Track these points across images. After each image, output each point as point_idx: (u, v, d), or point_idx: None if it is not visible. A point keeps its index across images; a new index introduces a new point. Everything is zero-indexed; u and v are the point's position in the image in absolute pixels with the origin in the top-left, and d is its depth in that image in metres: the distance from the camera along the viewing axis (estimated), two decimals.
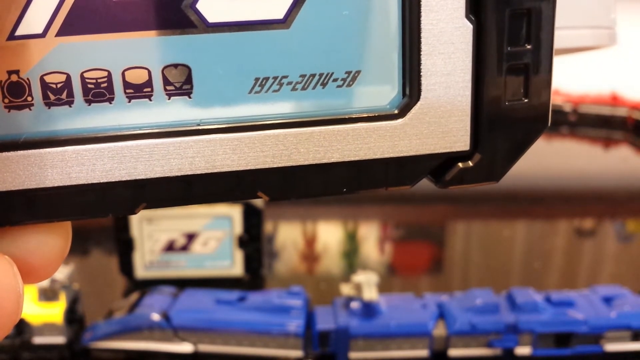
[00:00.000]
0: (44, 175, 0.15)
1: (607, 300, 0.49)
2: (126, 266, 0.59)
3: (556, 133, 1.08)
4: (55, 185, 0.15)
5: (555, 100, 1.08)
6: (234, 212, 0.58)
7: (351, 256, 0.69)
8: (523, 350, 0.47)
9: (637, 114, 1.04)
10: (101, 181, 0.15)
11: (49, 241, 0.16)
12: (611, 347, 0.47)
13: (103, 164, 0.15)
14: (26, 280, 0.16)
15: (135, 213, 0.16)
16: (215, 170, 0.15)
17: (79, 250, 0.67)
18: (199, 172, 0.15)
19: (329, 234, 0.74)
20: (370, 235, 0.76)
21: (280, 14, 0.15)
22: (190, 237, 0.59)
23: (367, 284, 0.48)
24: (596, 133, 1.06)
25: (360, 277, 0.49)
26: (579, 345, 0.47)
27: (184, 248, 0.59)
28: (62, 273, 0.49)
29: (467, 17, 0.15)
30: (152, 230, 0.58)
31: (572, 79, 1.07)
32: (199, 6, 0.14)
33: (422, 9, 0.15)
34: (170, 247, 0.59)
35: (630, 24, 1.01)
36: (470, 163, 0.17)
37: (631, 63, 1.06)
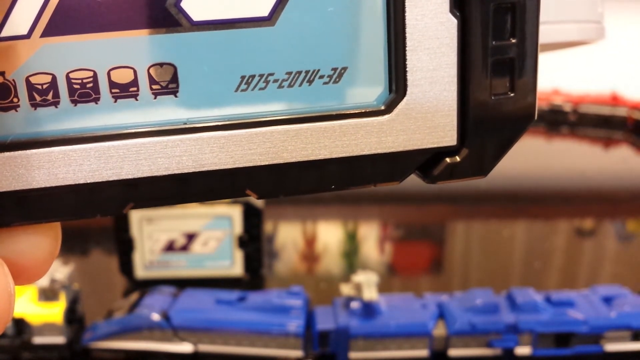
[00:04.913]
0: (31, 176, 0.15)
1: (607, 300, 0.49)
2: (126, 266, 0.59)
3: (556, 133, 1.08)
4: (43, 186, 0.15)
5: (555, 100, 1.08)
6: (233, 212, 0.58)
7: (351, 256, 0.69)
8: (523, 350, 0.47)
9: (637, 114, 1.04)
10: (88, 181, 0.15)
11: (39, 242, 0.16)
12: (611, 347, 0.47)
13: (90, 164, 0.15)
14: (17, 282, 0.16)
15: (123, 213, 0.16)
16: (203, 169, 0.15)
17: (79, 250, 0.67)
18: (186, 170, 0.15)
19: (329, 234, 0.74)
20: (370, 235, 0.76)
21: (265, 11, 0.15)
22: (190, 237, 0.59)
23: (367, 284, 0.48)
24: (596, 133, 1.06)
25: (360, 277, 0.48)
26: (579, 345, 0.47)
27: (184, 248, 0.59)
28: (62, 273, 0.49)
29: (451, 11, 0.15)
30: (152, 230, 0.59)
31: (572, 79, 1.07)
32: (183, 5, 0.14)
33: (407, 4, 0.15)
34: (170, 247, 0.59)
35: (629, 23, 1.01)
36: (458, 158, 0.17)
37: (631, 63, 1.05)
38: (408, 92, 0.16)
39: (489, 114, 0.16)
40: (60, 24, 0.14)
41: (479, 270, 0.66)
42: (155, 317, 0.48)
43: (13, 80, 0.14)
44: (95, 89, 0.15)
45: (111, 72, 0.15)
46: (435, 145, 0.16)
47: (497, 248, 0.71)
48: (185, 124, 0.15)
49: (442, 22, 0.15)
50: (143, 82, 0.15)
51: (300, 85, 0.15)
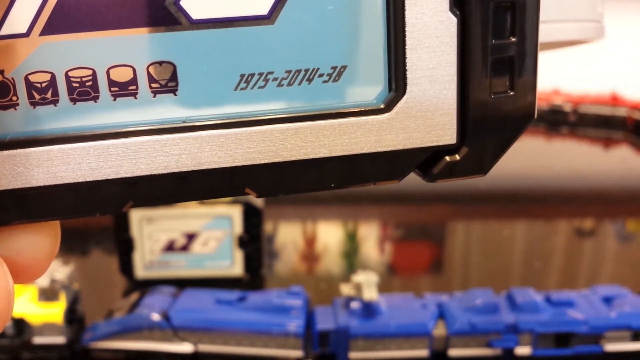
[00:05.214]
0: (30, 174, 0.15)
1: (607, 300, 0.49)
2: (126, 266, 0.59)
3: (556, 133, 1.08)
4: (42, 184, 0.15)
5: (555, 100, 1.08)
6: (234, 212, 0.58)
7: (351, 256, 0.69)
8: (523, 350, 0.47)
9: (637, 114, 1.04)
10: (87, 180, 0.15)
11: (38, 241, 0.16)
12: (611, 347, 0.47)
13: (89, 163, 0.15)
14: (16, 280, 0.16)
15: (122, 212, 0.16)
16: (202, 167, 0.15)
17: (79, 250, 0.67)
18: (185, 169, 0.15)
19: (329, 234, 0.74)
20: (370, 235, 0.76)
21: (264, 10, 0.15)
22: (190, 237, 0.59)
23: (367, 284, 0.48)
24: (596, 133, 1.06)
25: (360, 277, 0.48)
26: (579, 345, 0.47)
27: (184, 248, 0.59)
28: (62, 273, 0.49)
29: (451, 10, 0.15)
30: (152, 230, 0.58)
31: (572, 79, 1.07)
32: (183, 3, 0.14)
33: (406, 3, 0.15)
34: (170, 247, 0.59)
35: (629, 22, 1.01)
36: (458, 156, 0.17)
37: (631, 63, 1.05)
38: (408, 91, 0.16)
39: (488, 113, 0.16)
40: (59, 22, 0.14)
41: (479, 270, 0.66)
42: (155, 317, 0.48)
43: (12, 78, 0.14)
44: (95, 87, 0.15)
45: (110, 71, 0.15)
46: (434, 144, 0.16)
47: (497, 248, 0.71)
48: (184, 122, 0.15)
49: (441, 21, 0.15)
50: (142, 80, 0.15)
51: (300, 83, 0.15)
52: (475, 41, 0.16)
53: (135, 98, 0.15)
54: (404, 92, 0.16)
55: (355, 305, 0.48)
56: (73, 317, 0.50)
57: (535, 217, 0.79)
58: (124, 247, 0.59)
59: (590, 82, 1.07)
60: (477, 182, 0.75)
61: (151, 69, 0.15)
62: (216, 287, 0.52)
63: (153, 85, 0.15)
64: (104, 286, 0.63)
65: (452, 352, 0.47)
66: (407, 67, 0.15)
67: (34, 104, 0.15)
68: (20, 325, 0.48)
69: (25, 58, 0.14)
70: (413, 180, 0.18)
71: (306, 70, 0.15)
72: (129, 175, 0.15)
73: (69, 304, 0.49)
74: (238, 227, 0.59)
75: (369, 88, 0.16)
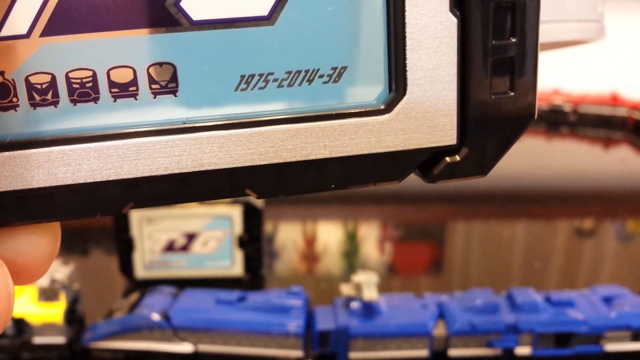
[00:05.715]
0: (30, 176, 0.15)
1: (607, 300, 0.49)
2: (126, 266, 0.60)
3: (556, 133, 1.08)
4: (42, 185, 0.15)
5: (555, 100, 1.08)
6: (234, 212, 0.58)
7: (351, 256, 0.69)
8: (523, 350, 0.47)
9: (637, 114, 1.04)
10: (87, 181, 0.15)
11: (38, 242, 0.16)
12: (611, 347, 0.47)
13: (89, 164, 0.15)
14: (16, 282, 0.16)
15: (123, 213, 0.16)
16: (203, 169, 0.15)
17: (79, 250, 0.68)
18: (186, 170, 0.15)
19: (329, 234, 0.74)
20: (370, 235, 0.76)
21: (264, 11, 0.15)
22: (190, 237, 0.59)
23: (367, 284, 0.48)
24: (596, 133, 1.06)
25: (360, 277, 0.49)
26: (579, 345, 0.47)
27: (184, 248, 0.59)
28: (62, 273, 0.49)
29: (451, 11, 0.15)
30: (152, 230, 0.59)
31: (572, 79, 1.07)
32: (183, 4, 0.14)
33: (407, 3, 0.15)
34: (170, 247, 0.59)
35: (629, 22, 1.01)
36: (458, 157, 0.17)
37: (631, 63, 1.05)
38: (408, 92, 0.16)
39: (489, 113, 0.16)
40: (59, 23, 0.14)
41: (479, 270, 0.66)
42: (155, 317, 0.48)
43: (12, 79, 0.14)
44: (95, 88, 0.15)
45: (110, 72, 0.15)
46: (435, 145, 0.16)
47: (497, 248, 0.71)
48: (184, 123, 0.15)
49: (442, 22, 0.15)
50: (142, 81, 0.15)
51: (300, 84, 0.15)
52: (476, 42, 0.16)
53: (136, 99, 0.15)
54: (404, 93, 0.16)
55: (355, 305, 0.48)
56: (73, 317, 0.50)
57: (535, 217, 0.79)
58: (124, 247, 0.59)
59: (590, 82, 1.07)
60: (477, 182, 0.75)
61: (151, 70, 0.15)
62: (216, 287, 0.53)
63: (153, 86, 0.15)
64: (104, 286, 0.63)
65: (452, 352, 0.47)
66: (407, 68, 0.15)
67: (34, 105, 0.15)
68: (20, 325, 0.48)
69: (26, 59, 0.14)
70: (413, 180, 0.18)
71: (306, 71, 0.15)
72: (130, 176, 0.15)
73: (69, 304, 0.49)
74: (238, 227, 0.59)
75: (369, 89, 0.16)
